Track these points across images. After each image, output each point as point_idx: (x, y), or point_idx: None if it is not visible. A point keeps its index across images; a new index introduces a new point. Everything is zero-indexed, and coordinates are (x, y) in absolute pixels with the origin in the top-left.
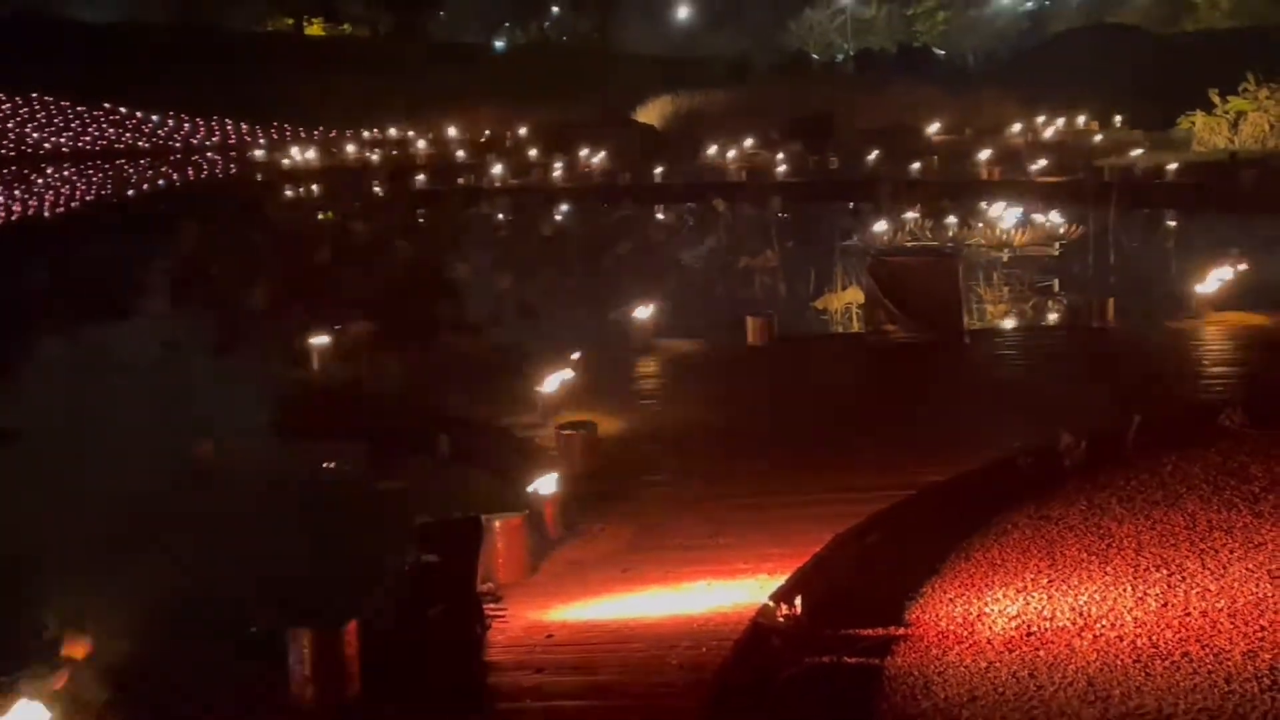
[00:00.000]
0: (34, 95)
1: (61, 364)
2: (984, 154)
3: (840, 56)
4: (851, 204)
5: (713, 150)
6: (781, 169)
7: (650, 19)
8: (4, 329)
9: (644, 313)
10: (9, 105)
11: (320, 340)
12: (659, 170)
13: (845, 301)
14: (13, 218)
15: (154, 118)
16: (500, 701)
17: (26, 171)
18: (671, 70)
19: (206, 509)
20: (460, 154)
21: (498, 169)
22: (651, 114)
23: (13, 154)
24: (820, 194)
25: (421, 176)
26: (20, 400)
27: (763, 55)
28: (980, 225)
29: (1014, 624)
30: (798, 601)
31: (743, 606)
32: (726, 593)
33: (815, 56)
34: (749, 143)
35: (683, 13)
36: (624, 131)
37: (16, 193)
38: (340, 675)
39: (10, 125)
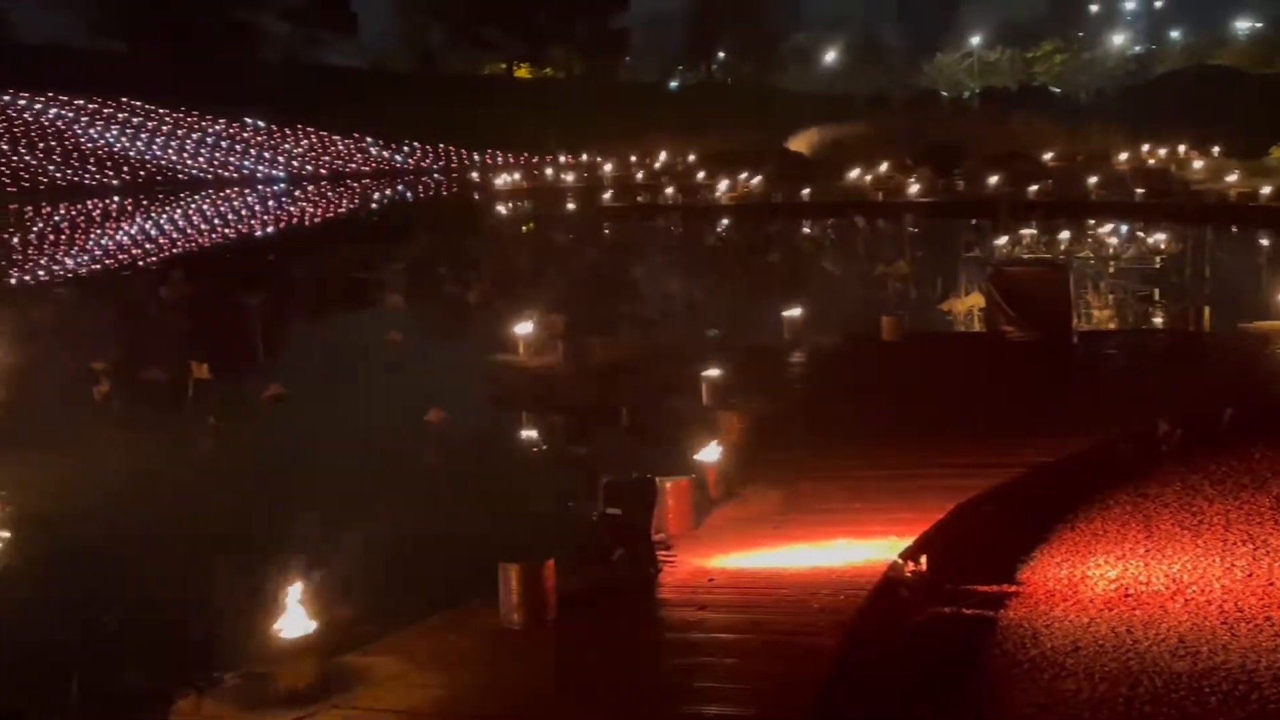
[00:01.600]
0: (299, 126)
1: (319, 343)
2: (1093, 178)
3: (967, 94)
4: (974, 221)
5: (854, 174)
6: (913, 190)
7: (803, 62)
8: (276, 314)
9: (793, 311)
10: (279, 135)
11: (524, 330)
12: (806, 190)
13: (968, 305)
14: (280, 226)
15: (393, 145)
16: (670, 631)
17: (291, 188)
18: (819, 105)
19: (435, 463)
20: (639, 176)
21: (670, 189)
22: (801, 143)
23: (278, 174)
24: (947, 212)
25: (607, 195)
26: (288, 371)
27: (899, 92)
28: (1089, 240)
29: (1113, 586)
30: (923, 559)
31: (875, 562)
32: (862, 550)
33: (945, 94)
34: (885, 167)
35: (830, 56)
36: (777, 157)
37: (283, 206)
38: (541, 603)
39: (279, 152)
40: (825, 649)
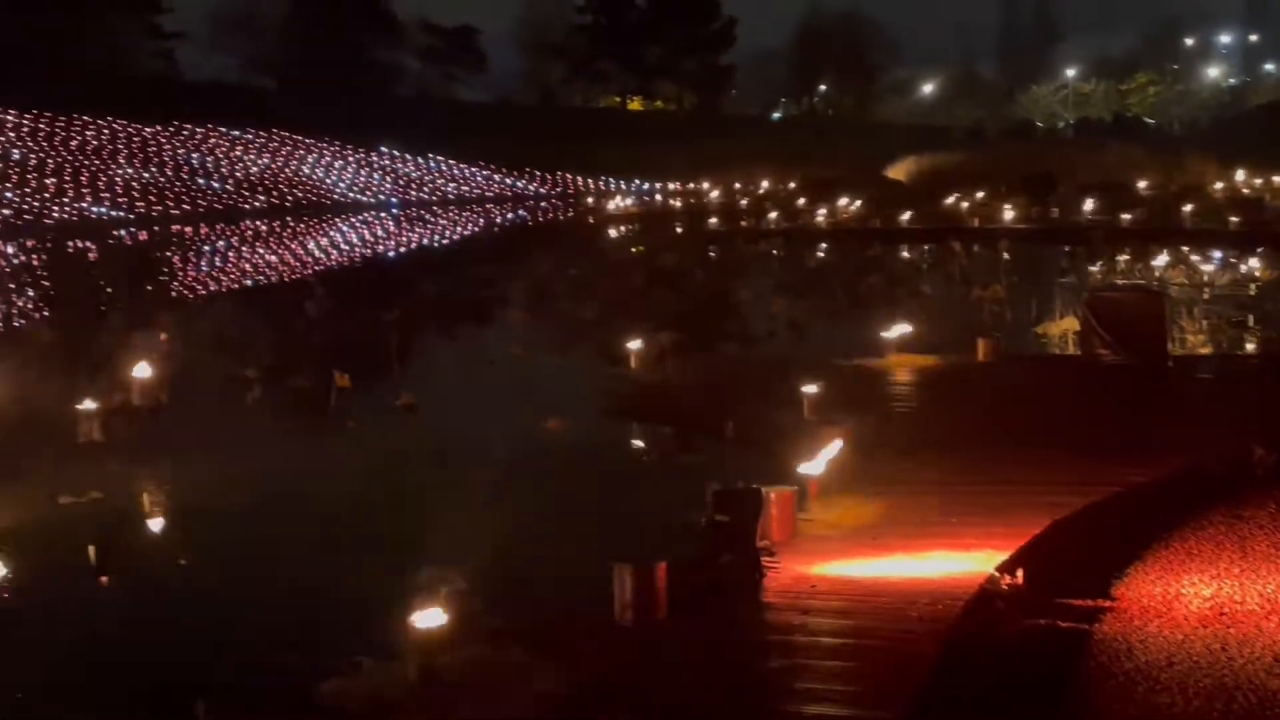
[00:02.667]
0: (430, 155)
1: (447, 355)
2: (1187, 207)
3: (1062, 124)
4: (1068, 247)
5: (950, 200)
6: (1009, 217)
7: (901, 94)
8: (409, 329)
9: (891, 332)
10: (412, 163)
11: (636, 345)
12: (904, 216)
13: (1062, 329)
14: (412, 247)
15: (515, 173)
16: (773, 633)
17: (423, 213)
18: (917, 135)
19: (553, 469)
20: (743, 202)
21: (773, 214)
22: (899, 171)
23: (412, 199)
24: (1042, 239)
25: (713, 219)
26: (419, 380)
27: (994, 123)
28: (1183, 267)
29: (1208, 604)
30: (1019, 573)
31: (972, 574)
32: (958, 562)
33: (1040, 124)
34: (981, 195)
35: (928, 89)
36: (876, 185)
37: (416, 229)
38: (653, 602)
39: (415, 180)
40: (924, 655)
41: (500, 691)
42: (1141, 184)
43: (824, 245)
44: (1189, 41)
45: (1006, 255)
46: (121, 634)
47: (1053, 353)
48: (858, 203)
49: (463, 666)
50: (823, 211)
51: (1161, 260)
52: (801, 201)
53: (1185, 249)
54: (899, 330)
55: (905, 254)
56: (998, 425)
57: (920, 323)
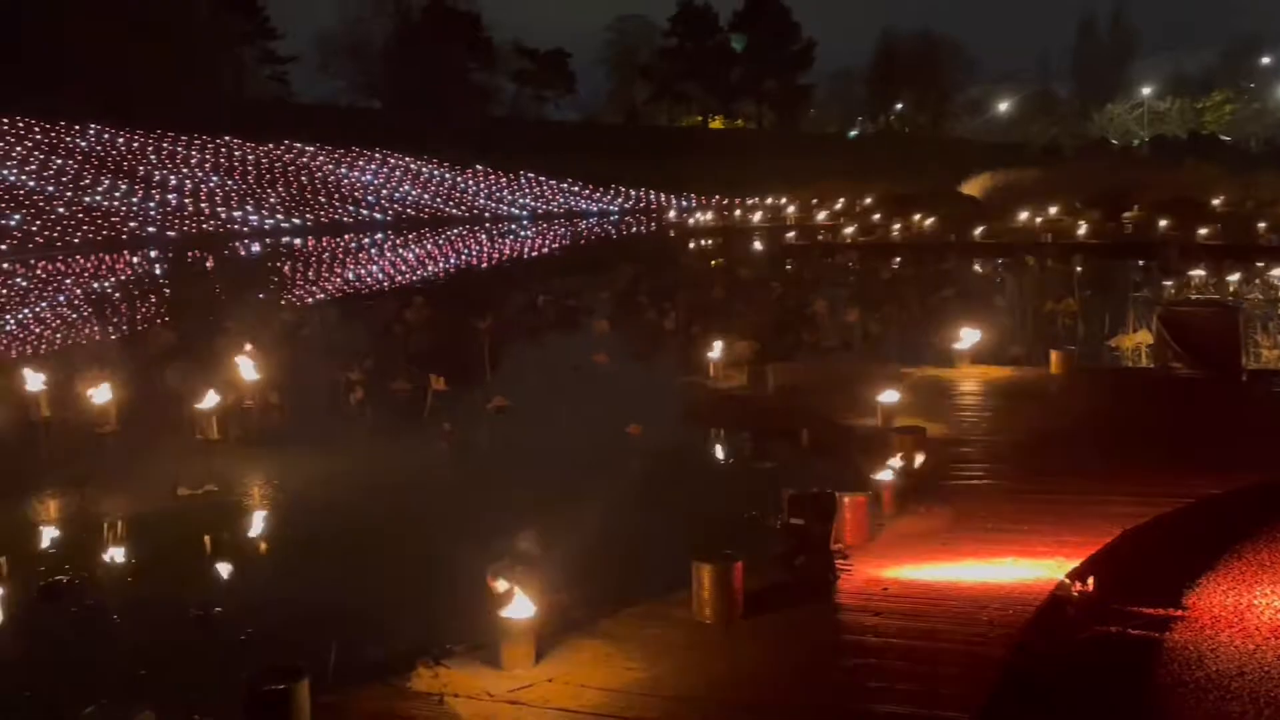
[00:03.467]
0: (520, 172)
1: (535, 361)
2: (1262, 223)
3: (1137, 142)
4: (1141, 262)
5: (1024, 216)
6: (1082, 231)
7: (976, 111)
8: (501, 336)
9: (964, 343)
10: (504, 179)
11: (715, 355)
12: (978, 231)
13: (1136, 342)
14: (502, 259)
15: (601, 188)
16: (846, 634)
17: (512, 226)
18: (992, 152)
19: (635, 471)
20: (820, 216)
21: (849, 229)
22: (974, 187)
23: (503, 214)
24: (1115, 253)
25: (791, 233)
26: (510, 385)
27: (1069, 140)
28: (1258, 283)
29: None
30: (1090, 580)
31: (1043, 580)
32: (1029, 569)
33: (1114, 141)
34: (1054, 210)
35: (1003, 107)
36: (950, 200)
37: (506, 241)
38: (730, 600)
39: (505, 194)
40: (994, 659)
41: (583, 682)
42: (1216, 201)
43: (899, 259)
44: (1265, 60)
45: (1080, 269)
46: (232, 615)
47: (1126, 366)
48: (932, 218)
49: (548, 657)
50: (898, 226)
51: (1236, 275)
52: (877, 217)
53: (1260, 264)
54: (972, 341)
55: (979, 268)
56: (1070, 435)
57: (993, 335)
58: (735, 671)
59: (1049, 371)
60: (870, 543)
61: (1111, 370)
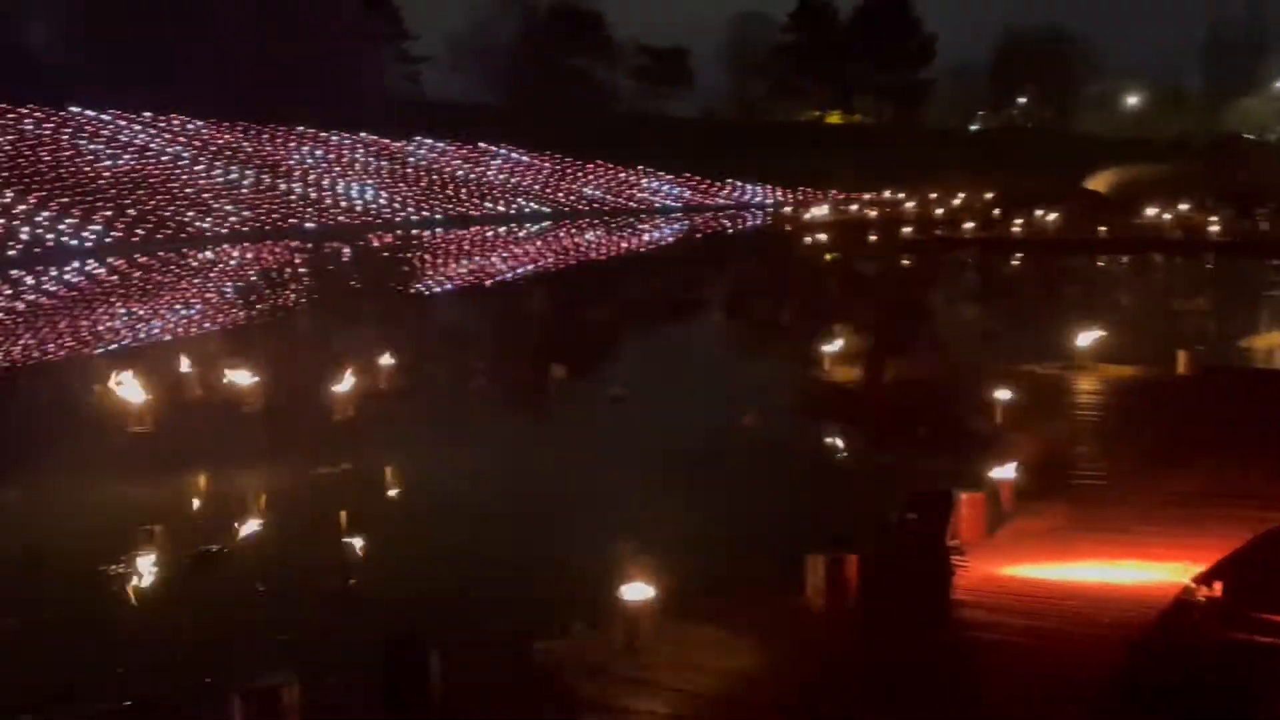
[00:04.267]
0: (638, 167)
1: (653, 353)
2: None
3: (1274, 136)
4: (1276, 261)
5: (1152, 212)
6: (1213, 229)
7: (1102, 106)
8: (619, 328)
9: (1086, 340)
10: (623, 174)
11: (829, 348)
12: (1103, 228)
13: (1269, 342)
14: (621, 252)
15: (718, 183)
16: (961, 630)
17: (634, 221)
18: (1118, 147)
19: (749, 462)
20: (938, 211)
21: (969, 224)
22: (1099, 183)
23: (629, 208)
24: (1248, 251)
25: (908, 229)
26: (628, 375)
27: (1199, 135)
28: None
29: None
30: (1217, 585)
31: (1166, 584)
32: (1152, 572)
33: (1248, 136)
34: (1184, 207)
35: (1131, 100)
36: (1074, 196)
37: (625, 235)
38: (844, 593)
39: (625, 188)
40: (1114, 661)
41: (698, 664)
42: None
43: (1019, 255)
44: None
45: (1210, 267)
46: (367, 586)
47: (1258, 367)
48: (1054, 214)
49: (665, 638)
50: (1019, 222)
51: None
52: (997, 212)
53: None
54: (1095, 339)
55: (1104, 265)
56: (1197, 437)
57: (1118, 333)
58: (847, 662)
59: (1176, 372)
60: (987, 540)
61: (1242, 371)
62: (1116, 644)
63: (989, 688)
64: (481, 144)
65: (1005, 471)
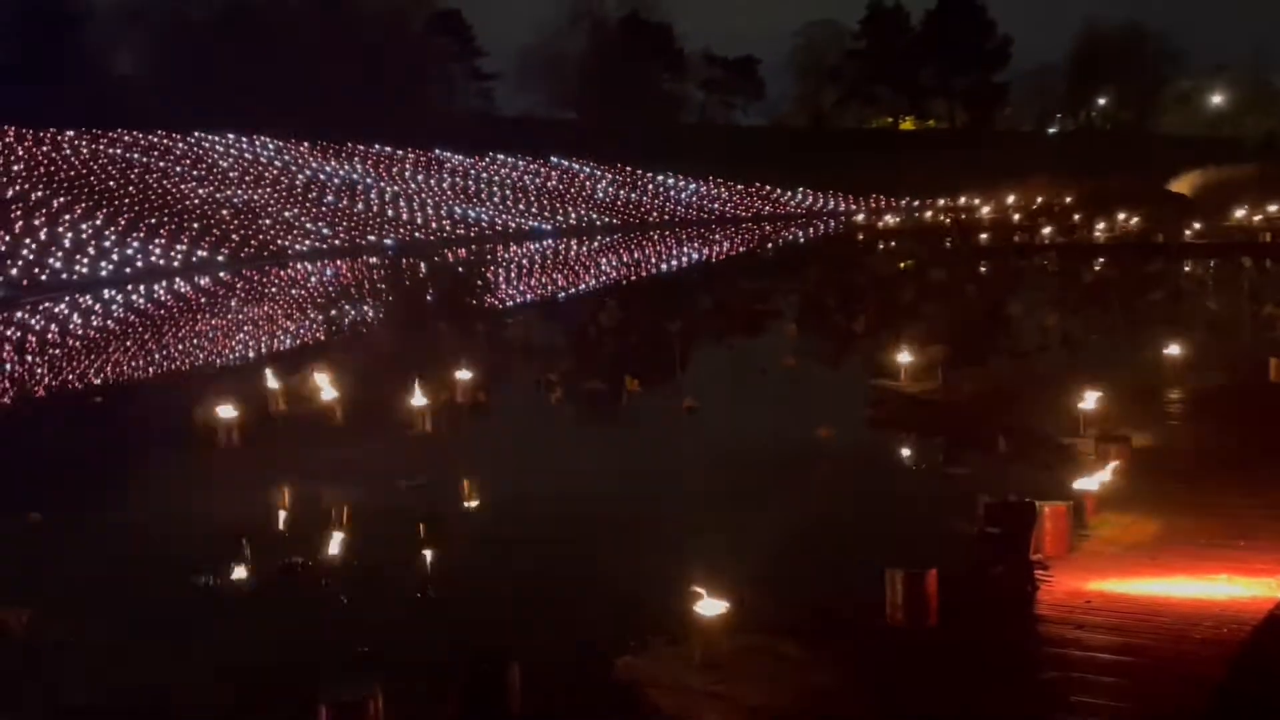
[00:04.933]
0: (710, 177)
1: (725, 363)
2: None
3: None
4: None
5: (1239, 214)
6: None
7: (1186, 105)
8: (691, 338)
9: (1174, 348)
10: (694, 184)
11: (905, 358)
12: (1189, 230)
13: None
14: (691, 262)
15: (790, 192)
16: (1046, 646)
17: (702, 231)
18: (1203, 148)
19: (825, 474)
20: (1016, 216)
21: (1047, 229)
22: (1184, 184)
23: (695, 219)
24: None
25: (985, 235)
26: (701, 386)
27: None
28: None
29: None
30: None
31: (1260, 599)
32: (1245, 587)
33: None
34: (1273, 208)
35: (1215, 99)
36: (1158, 198)
37: (696, 246)
38: (924, 608)
39: (695, 200)
40: (1207, 678)
41: (777, 680)
42: None
43: (1101, 260)
44: None
45: None
46: (442, 598)
47: None
48: (1136, 218)
49: (742, 654)
50: (1100, 226)
51: None
52: (1077, 216)
53: None
54: (1182, 346)
55: (1189, 269)
56: None
57: (1206, 340)
58: (928, 680)
59: (1268, 380)
60: (1071, 554)
61: None
62: (1211, 661)
63: (1075, 705)
64: (552, 157)
65: (1090, 483)
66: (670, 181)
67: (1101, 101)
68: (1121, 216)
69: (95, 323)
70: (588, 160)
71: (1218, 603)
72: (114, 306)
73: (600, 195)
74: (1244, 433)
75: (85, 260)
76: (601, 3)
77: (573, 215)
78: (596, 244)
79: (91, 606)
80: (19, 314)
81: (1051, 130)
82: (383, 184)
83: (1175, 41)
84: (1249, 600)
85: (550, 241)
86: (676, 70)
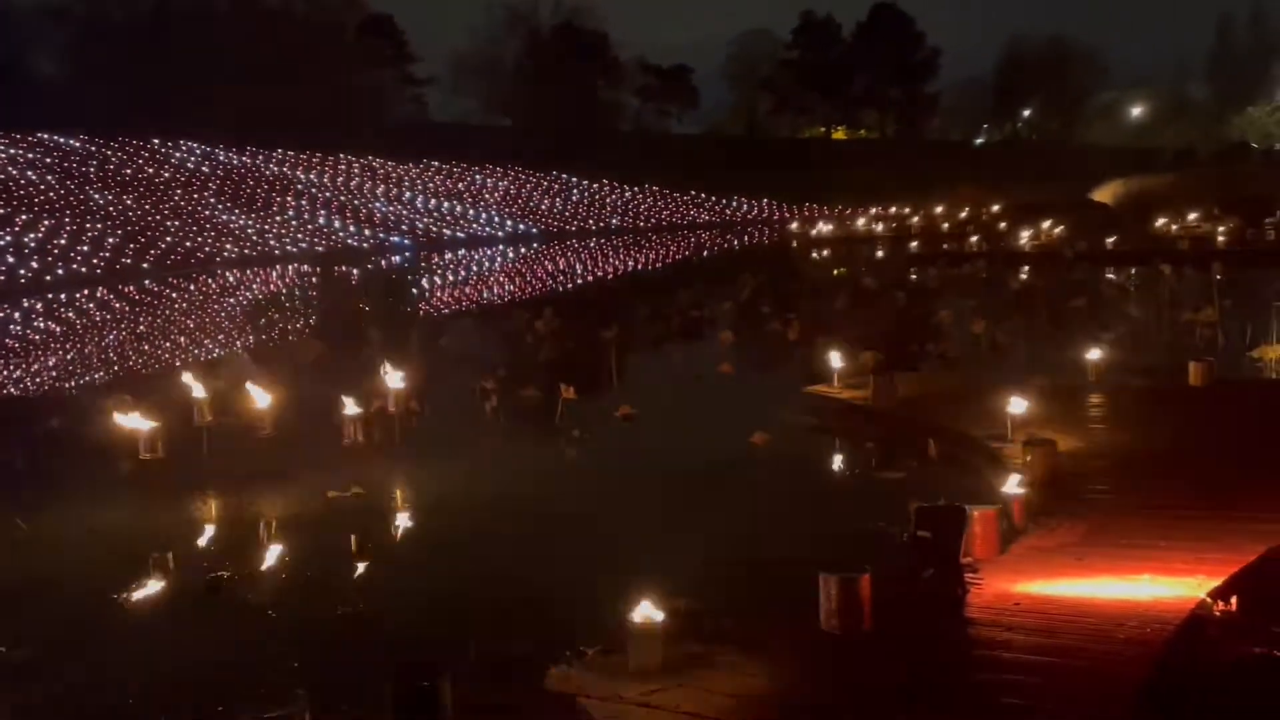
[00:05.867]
0: (645, 185)
1: (661, 371)
2: None
3: (1279, 145)
4: None
5: (1159, 223)
6: (1221, 238)
7: (1108, 117)
8: (626, 346)
9: (1095, 353)
10: (629, 192)
11: (838, 364)
12: (1110, 239)
13: (1279, 354)
14: (625, 272)
15: (723, 200)
16: (976, 648)
17: (638, 239)
18: (1123, 158)
19: (759, 480)
20: (945, 226)
21: (974, 238)
22: (1106, 194)
23: (628, 226)
24: (1257, 261)
25: (914, 243)
26: (637, 393)
27: (1206, 145)
28: None
29: None
30: (1234, 600)
31: (1182, 599)
32: (1168, 586)
33: (1255, 145)
34: (1192, 217)
35: (1136, 111)
36: (1081, 208)
37: (632, 254)
38: (858, 612)
39: (629, 207)
40: (1131, 678)
41: (711, 688)
42: None
43: (1026, 268)
44: None
45: (1219, 278)
46: (374, 611)
47: (1270, 378)
48: (1060, 227)
49: (676, 662)
50: (1025, 235)
51: None
52: (1004, 225)
53: None
54: (1105, 352)
55: (1111, 276)
56: (1210, 450)
57: (1128, 345)
58: (862, 684)
59: (1187, 384)
60: (1000, 557)
61: (1254, 383)
62: (1134, 660)
63: (1005, 707)
64: (487, 165)
65: (1017, 487)
66: (605, 189)
67: (1027, 113)
68: (1046, 225)
69: (15, 330)
70: (523, 166)
71: (1141, 603)
72: (33, 315)
73: (533, 201)
74: (1164, 436)
75: (3, 267)
76: (535, 10)
77: (509, 221)
78: (531, 251)
79: (7, 622)
80: None
81: (979, 141)
82: (313, 189)
83: (1098, 55)
84: (1172, 600)
85: (484, 248)
86: (612, 78)
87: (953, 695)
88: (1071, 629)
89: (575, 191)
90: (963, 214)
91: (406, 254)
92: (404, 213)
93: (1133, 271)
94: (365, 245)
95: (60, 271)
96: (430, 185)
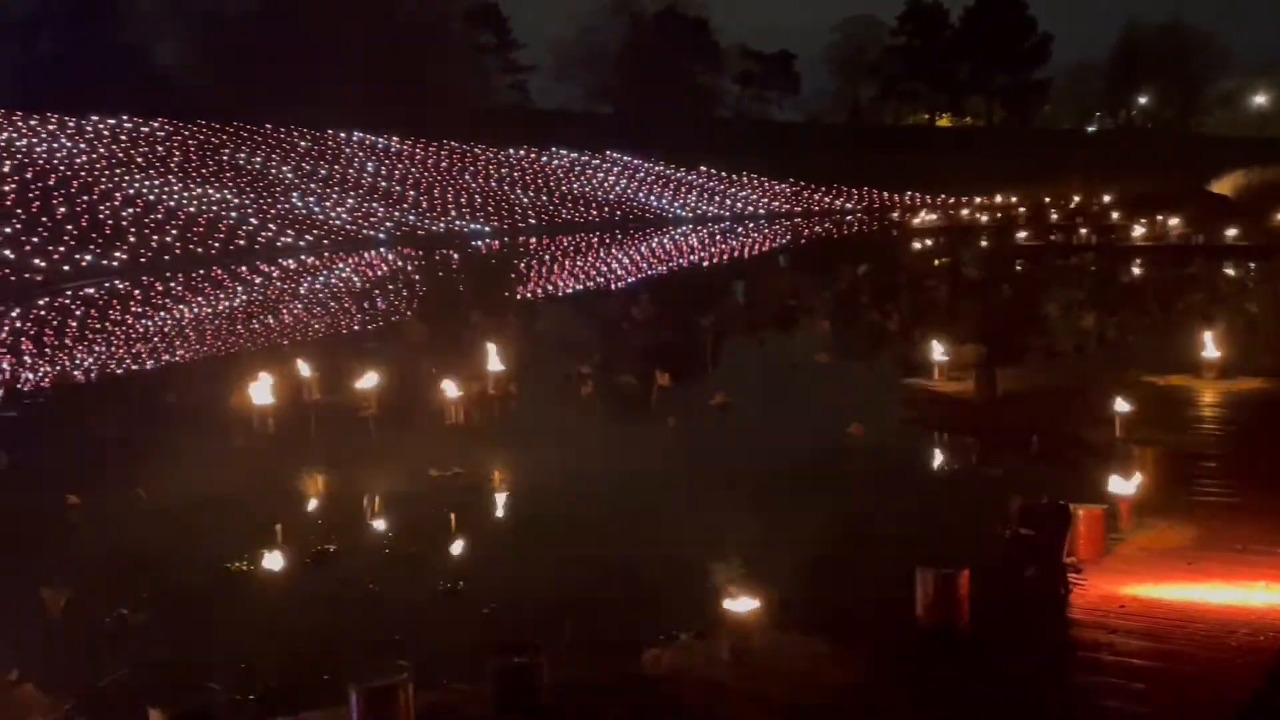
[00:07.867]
0: (745, 173)
1: (757, 359)
2: None
3: None
4: None
5: None
6: None
7: (1229, 105)
8: (723, 334)
9: (1212, 351)
10: (728, 180)
11: (939, 357)
12: (1230, 232)
13: None
14: (725, 258)
15: (824, 188)
16: (1078, 650)
17: (736, 227)
18: (1246, 148)
19: (856, 472)
20: (1054, 215)
21: (1084, 229)
22: (1226, 185)
23: (727, 214)
24: None
25: (1022, 233)
26: (732, 382)
27: None
28: None
29: None
30: None
31: None
32: None
33: None
34: None
35: (1259, 99)
36: (1198, 199)
37: (730, 241)
38: (954, 608)
39: (726, 194)
40: (1242, 686)
41: (806, 677)
42: None
43: (1138, 261)
44: None
45: None
46: (472, 589)
47: None
48: (1176, 219)
49: (771, 650)
50: (1139, 226)
51: None
52: (1115, 216)
53: None
54: (1221, 349)
55: (1230, 271)
56: None
57: (1246, 343)
58: (956, 682)
59: None
60: (1105, 558)
61: None
62: (1245, 668)
63: (1106, 710)
64: (588, 151)
65: (1125, 486)
66: (705, 176)
67: (1142, 100)
68: (1161, 217)
69: (135, 309)
70: (623, 153)
71: (1256, 610)
72: (152, 294)
73: (632, 189)
74: None
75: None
76: None
77: (606, 208)
78: (630, 238)
79: (127, 589)
80: (62, 300)
81: (1092, 129)
82: (416, 174)
83: (1218, 40)
84: None
85: (584, 234)
86: (712, 64)
87: (1051, 696)
88: (1179, 634)
89: (674, 177)
90: (1072, 204)
91: (501, 239)
92: (504, 197)
93: (1252, 266)
94: (464, 230)
95: (178, 251)
96: (531, 171)
